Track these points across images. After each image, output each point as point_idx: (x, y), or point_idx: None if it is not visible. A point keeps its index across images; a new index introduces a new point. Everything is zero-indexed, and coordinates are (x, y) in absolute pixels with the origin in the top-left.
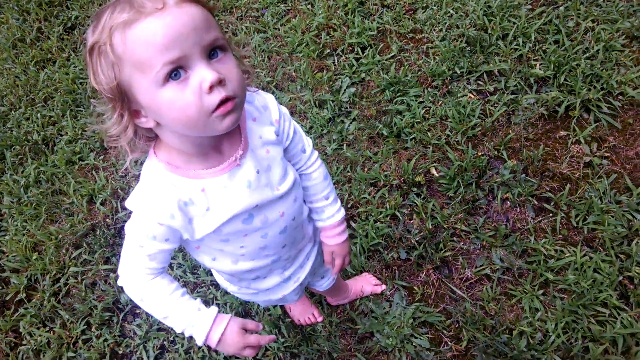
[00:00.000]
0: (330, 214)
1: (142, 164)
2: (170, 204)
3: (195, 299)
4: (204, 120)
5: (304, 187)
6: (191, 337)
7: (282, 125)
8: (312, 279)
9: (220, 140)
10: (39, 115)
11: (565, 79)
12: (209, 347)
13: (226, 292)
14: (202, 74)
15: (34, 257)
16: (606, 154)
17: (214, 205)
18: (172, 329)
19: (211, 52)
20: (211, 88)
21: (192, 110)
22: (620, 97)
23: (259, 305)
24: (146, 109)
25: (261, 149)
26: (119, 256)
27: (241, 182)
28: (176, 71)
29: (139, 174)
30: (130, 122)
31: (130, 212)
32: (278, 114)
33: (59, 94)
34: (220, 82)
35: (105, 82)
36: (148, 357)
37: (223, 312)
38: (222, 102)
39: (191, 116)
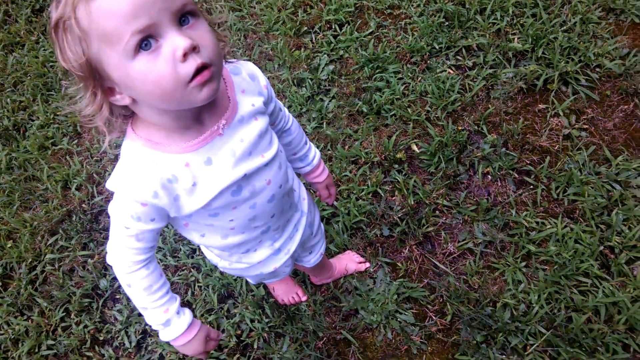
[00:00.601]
0: (313, 154)
1: (118, 146)
2: (152, 182)
3: (176, 298)
4: (180, 92)
5: (288, 142)
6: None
7: (269, 91)
8: (301, 251)
9: (201, 112)
10: (8, 100)
11: (543, 52)
12: None
13: (211, 271)
14: (174, 41)
15: (9, 245)
16: (585, 126)
17: (201, 179)
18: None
19: (182, 19)
20: (185, 56)
21: (167, 81)
22: (597, 69)
23: (241, 286)
24: (119, 84)
25: (251, 118)
26: (97, 242)
27: (225, 152)
28: (146, 41)
29: (115, 158)
30: (104, 100)
31: (112, 193)
32: (265, 80)
33: (28, 78)
34: (194, 49)
35: (73, 60)
36: (130, 343)
37: (205, 296)
38: (198, 71)
39: (166, 88)
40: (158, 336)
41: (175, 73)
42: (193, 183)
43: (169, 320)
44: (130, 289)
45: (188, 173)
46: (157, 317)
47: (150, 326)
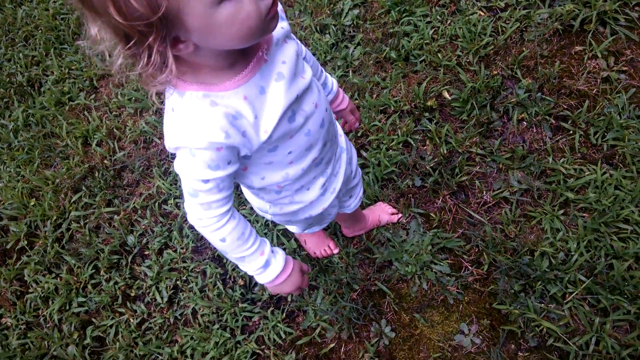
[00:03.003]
0: (331, 82)
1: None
2: (221, 123)
3: (265, 239)
4: (262, 27)
5: None
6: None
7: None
8: (344, 194)
9: None
10: (20, 55)
11: None
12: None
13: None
14: None
15: (32, 204)
16: (624, 68)
17: (260, 110)
18: (236, 265)
19: None
20: None
21: (253, 19)
22: (637, 7)
23: (272, 240)
24: (194, 32)
25: (283, 41)
26: (121, 198)
27: (274, 76)
28: None
29: (134, 111)
30: (169, 52)
31: (173, 153)
32: (279, 4)
33: (39, 31)
34: None
35: (144, 13)
36: (162, 298)
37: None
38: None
39: (252, 26)
40: (256, 282)
41: (258, 9)
42: (255, 116)
43: (268, 261)
44: (225, 243)
45: (248, 106)
46: (256, 262)
47: (246, 273)
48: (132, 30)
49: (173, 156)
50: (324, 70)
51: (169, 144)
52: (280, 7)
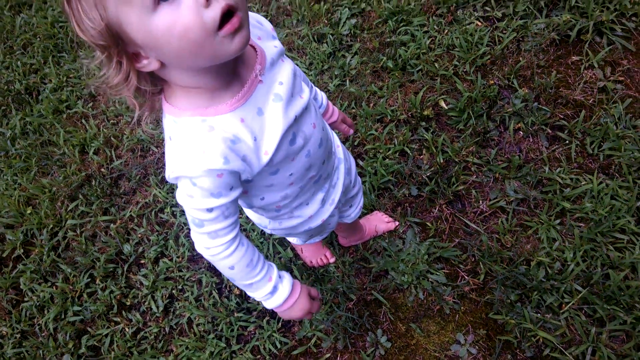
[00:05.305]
0: (321, 95)
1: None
2: (219, 147)
3: (272, 264)
4: (210, 42)
5: None
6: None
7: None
8: (343, 205)
9: (236, 65)
10: (19, 63)
11: (576, 1)
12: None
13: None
14: None
15: (28, 212)
16: (620, 78)
17: (259, 132)
18: (244, 291)
19: None
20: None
21: (193, 32)
22: (634, 18)
23: (268, 249)
24: (144, 46)
25: (279, 60)
26: (118, 207)
27: (271, 97)
28: None
29: (132, 120)
30: (130, 67)
31: (175, 183)
32: (269, 24)
33: (38, 39)
34: None
35: (92, 28)
36: (157, 307)
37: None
38: (226, 17)
39: (195, 40)
40: (263, 307)
41: (200, 21)
42: (254, 138)
43: (275, 286)
44: (234, 270)
45: (246, 129)
46: (264, 288)
47: (253, 299)
48: (94, 45)
49: None
50: (313, 85)
51: (169, 174)
52: (270, 26)
